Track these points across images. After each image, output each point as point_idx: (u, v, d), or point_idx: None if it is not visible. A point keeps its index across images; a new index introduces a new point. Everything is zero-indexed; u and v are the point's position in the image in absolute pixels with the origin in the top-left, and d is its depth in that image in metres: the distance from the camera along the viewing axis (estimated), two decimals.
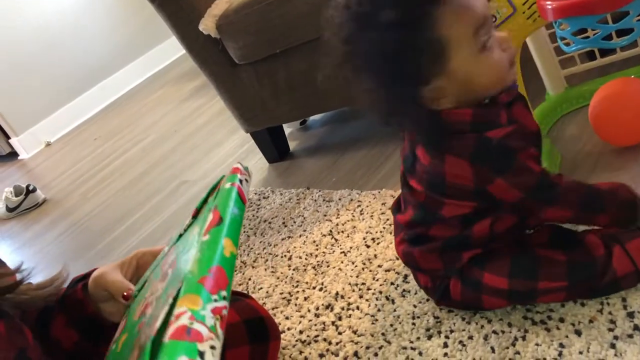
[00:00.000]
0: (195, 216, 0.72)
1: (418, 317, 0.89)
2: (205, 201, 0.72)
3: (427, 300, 0.91)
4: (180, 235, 0.72)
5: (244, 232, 1.46)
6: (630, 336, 0.71)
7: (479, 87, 0.73)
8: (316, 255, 1.20)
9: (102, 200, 2.31)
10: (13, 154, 3.78)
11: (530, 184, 0.73)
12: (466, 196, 0.77)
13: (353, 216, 1.27)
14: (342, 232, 1.24)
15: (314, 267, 1.16)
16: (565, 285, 0.76)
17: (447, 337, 0.83)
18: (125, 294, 0.75)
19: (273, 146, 1.76)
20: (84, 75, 3.89)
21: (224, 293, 0.50)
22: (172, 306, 0.49)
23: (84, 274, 0.82)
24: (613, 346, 0.70)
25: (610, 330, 0.72)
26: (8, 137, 3.72)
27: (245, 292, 1.18)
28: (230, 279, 0.51)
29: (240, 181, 0.63)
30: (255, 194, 1.62)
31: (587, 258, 0.75)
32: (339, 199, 1.37)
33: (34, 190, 2.59)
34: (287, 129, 1.91)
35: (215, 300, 0.48)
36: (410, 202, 0.84)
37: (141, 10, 3.87)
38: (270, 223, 1.43)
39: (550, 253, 0.77)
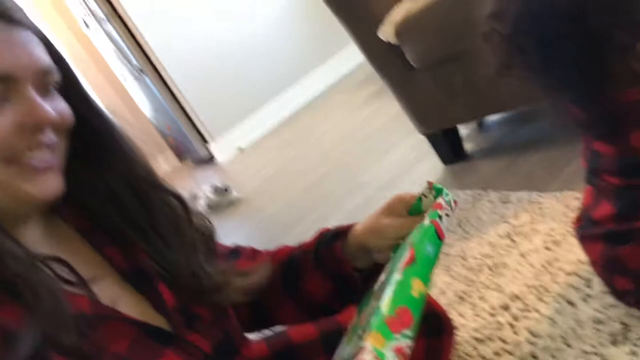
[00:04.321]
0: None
1: (602, 323, 0.85)
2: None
3: (613, 306, 0.87)
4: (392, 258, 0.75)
5: None
6: None
7: None
8: (492, 256, 1.19)
9: (287, 200, 2.49)
10: (211, 158, 4.24)
11: None
12: None
13: (532, 218, 1.24)
14: (521, 234, 1.21)
15: (489, 268, 1.16)
16: None
17: (635, 344, 0.78)
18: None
19: (448, 147, 1.77)
20: (272, 83, 4.22)
21: (407, 332, 0.54)
22: (361, 338, 0.55)
23: (334, 231, 0.84)
24: None
25: None
26: (206, 142, 4.18)
27: None
28: (416, 317, 0.56)
29: (440, 217, 0.66)
30: None
31: None
32: (517, 201, 1.34)
33: (230, 190, 2.88)
34: (463, 130, 1.90)
35: (397, 339, 0.53)
36: (605, 196, 0.80)
37: (323, 20, 4.08)
38: None
39: None
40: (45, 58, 0.62)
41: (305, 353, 0.85)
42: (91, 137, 0.69)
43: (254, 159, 3.69)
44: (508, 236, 1.23)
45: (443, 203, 0.69)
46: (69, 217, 0.70)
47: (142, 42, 3.88)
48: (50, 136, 0.61)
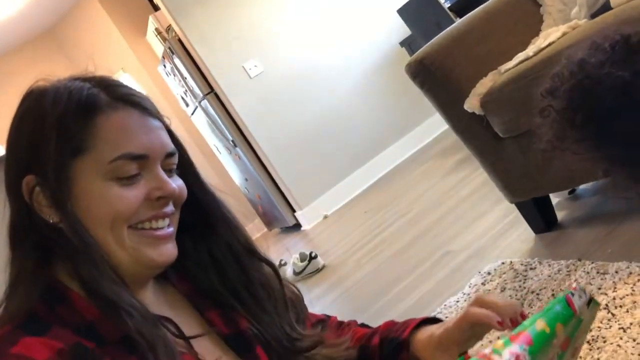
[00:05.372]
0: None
1: None
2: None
3: None
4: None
5: None
6: None
7: None
8: (590, 330, 1.15)
9: (373, 268, 2.50)
10: (297, 225, 4.34)
11: None
12: None
13: (633, 290, 1.19)
14: (620, 306, 1.16)
15: (587, 342, 1.11)
16: None
17: None
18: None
19: (539, 216, 1.74)
20: (357, 154, 4.32)
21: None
22: None
23: (398, 340, 0.81)
24: None
25: None
26: (294, 211, 4.29)
27: None
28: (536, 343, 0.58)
29: (573, 294, 0.67)
30: (522, 264, 1.60)
31: None
32: (616, 272, 1.29)
33: (316, 257, 2.93)
34: (555, 198, 1.86)
35: None
36: None
37: (407, 92, 4.19)
38: (538, 294, 1.41)
39: None
40: (170, 143, 0.72)
41: None
42: (201, 210, 0.78)
43: (339, 227, 3.74)
44: (607, 309, 1.18)
45: (577, 287, 0.69)
46: (175, 282, 0.78)
47: (236, 118, 4.13)
48: (170, 208, 0.71)
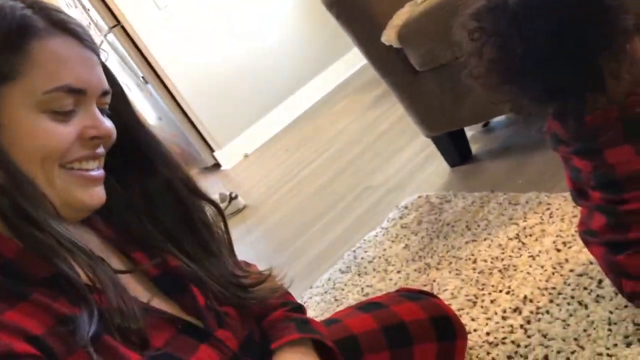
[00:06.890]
0: None
1: (615, 324, 0.84)
2: None
3: (626, 306, 0.86)
4: None
5: (427, 234, 1.48)
6: None
7: None
8: (502, 259, 1.19)
9: (294, 206, 2.49)
10: (216, 165, 4.25)
11: None
12: None
13: (542, 219, 1.23)
14: (530, 235, 1.21)
15: (500, 271, 1.15)
16: None
17: None
18: None
19: (454, 150, 1.76)
20: (277, 90, 4.22)
21: None
22: None
23: (269, 346, 0.74)
24: None
25: None
26: (212, 150, 4.18)
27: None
28: None
29: None
30: (437, 197, 1.63)
31: None
32: (526, 202, 1.34)
33: (236, 197, 2.88)
34: (469, 132, 1.89)
35: None
36: (596, 209, 0.81)
37: (325, 26, 4.09)
38: (453, 227, 1.44)
39: None
40: (106, 81, 0.67)
41: (367, 343, 0.83)
42: (138, 149, 0.74)
43: (259, 165, 3.69)
44: (517, 238, 1.22)
45: None
46: (99, 227, 0.73)
47: (146, 52, 3.90)
48: (101, 149, 0.67)
